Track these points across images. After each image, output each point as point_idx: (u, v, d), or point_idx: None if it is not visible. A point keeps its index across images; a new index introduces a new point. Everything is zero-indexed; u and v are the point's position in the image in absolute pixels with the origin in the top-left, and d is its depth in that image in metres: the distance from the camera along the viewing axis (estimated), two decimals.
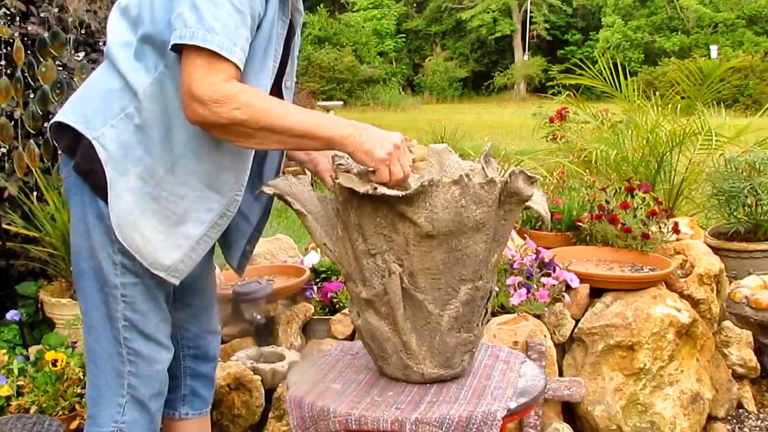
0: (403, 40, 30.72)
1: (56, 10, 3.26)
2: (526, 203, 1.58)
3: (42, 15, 3.17)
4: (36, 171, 3.05)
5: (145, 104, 1.49)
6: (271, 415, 2.46)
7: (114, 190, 1.49)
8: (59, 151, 1.65)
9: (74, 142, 1.53)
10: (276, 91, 1.61)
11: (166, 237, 1.53)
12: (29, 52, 3.10)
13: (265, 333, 2.66)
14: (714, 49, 20.25)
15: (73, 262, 1.61)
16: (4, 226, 2.96)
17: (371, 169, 1.48)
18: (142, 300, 1.57)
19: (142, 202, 1.51)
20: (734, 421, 2.95)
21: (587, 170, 4.34)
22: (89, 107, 1.52)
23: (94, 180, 1.51)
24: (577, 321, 2.75)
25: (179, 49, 1.41)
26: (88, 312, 1.59)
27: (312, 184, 1.78)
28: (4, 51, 3.04)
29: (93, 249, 1.54)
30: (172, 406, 1.83)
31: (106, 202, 1.50)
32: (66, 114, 1.55)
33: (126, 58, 1.50)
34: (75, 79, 3.25)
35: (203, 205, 1.55)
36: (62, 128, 1.55)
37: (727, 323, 3.03)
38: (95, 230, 1.53)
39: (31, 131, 3.12)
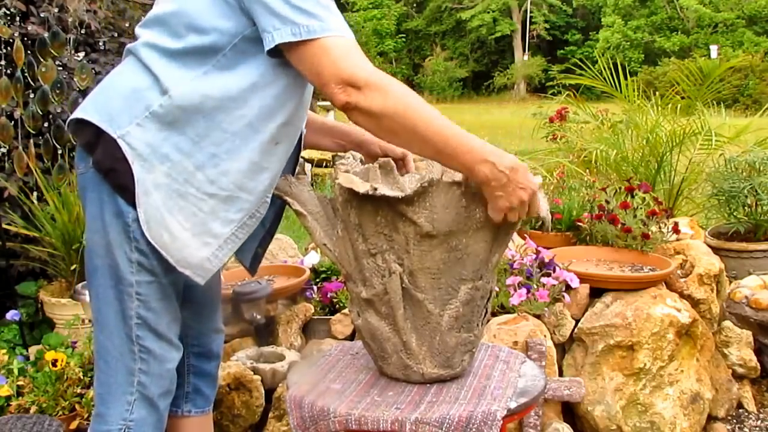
0: (403, 40, 30.73)
1: (56, 10, 3.26)
2: None
3: (42, 15, 3.18)
4: (36, 171, 3.05)
5: (177, 102, 1.47)
6: (271, 415, 2.46)
7: (142, 188, 1.48)
8: (76, 145, 1.64)
9: (95, 139, 1.52)
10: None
11: (194, 235, 1.53)
12: (29, 52, 3.11)
13: (265, 333, 2.66)
14: (714, 49, 20.24)
15: (86, 259, 1.61)
16: (4, 226, 2.96)
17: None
18: (156, 299, 1.57)
19: (169, 199, 1.50)
20: (734, 421, 2.95)
21: (587, 170, 4.34)
22: (113, 105, 1.51)
23: (115, 178, 1.50)
24: (577, 321, 2.75)
25: (279, 49, 1.41)
26: (101, 309, 1.59)
27: (312, 184, 1.78)
28: (4, 51, 3.04)
29: (109, 246, 1.53)
30: (176, 403, 1.83)
31: (126, 200, 1.49)
32: (87, 110, 1.54)
33: (159, 58, 1.49)
34: (75, 79, 3.25)
35: (233, 205, 1.55)
36: (82, 124, 1.54)
37: (727, 323, 3.03)
38: (112, 228, 1.52)
39: (31, 131, 3.12)
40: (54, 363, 2.29)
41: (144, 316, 1.56)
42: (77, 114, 1.55)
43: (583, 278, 2.79)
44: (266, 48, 1.42)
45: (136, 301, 1.55)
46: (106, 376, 1.60)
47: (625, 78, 4.78)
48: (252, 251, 1.77)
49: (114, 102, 1.52)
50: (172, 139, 1.49)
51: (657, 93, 5.03)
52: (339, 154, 1.76)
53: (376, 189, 1.44)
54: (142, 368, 1.58)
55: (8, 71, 3.06)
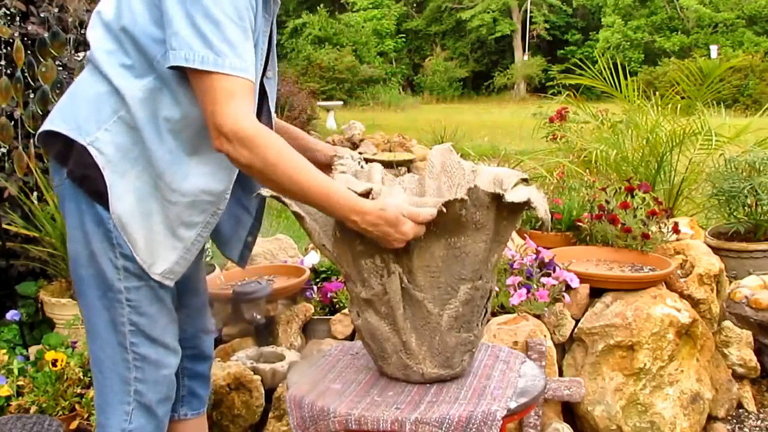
0: (403, 40, 30.71)
1: (56, 10, 3.26)
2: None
3: (42, 15, 3.18)
4: (36, 171, 3.05)
5: (134, 109, 1.48)
6: (271, 415, 2.46)
7: (115, 194, 1.48)
8: (50, 159, 1.63)
9: (66, 149, 1.51)
10: (258, 83, 1.61)
11: (164, 238, 1.53)
12: (29, 52, 3.11)
13: (265, 333, 2.66)
14: (714, 49, 20.26)
15: (71, 271, 1.59)
16: (4, 226, 2.96)
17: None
18: (148, 302, 1.56)
19: (143, 202, 1.51)
20: (734, 421, 2.95)
21: (587, 170, 4.33)
22: (80, 113, 1.51)
23: (90, 185, 1.49)
24: (577, 321, 2.75)
25: (182, 68, 1.40)
26: (91, 320, 1.58)
27: None
28: (4, 51, 3.04)
29: (93, 255, 1.52)
30: (172, 408, 1.82)
31: (104, 207, 1.49)
32: (55, 122, 1.53)
33: (111, 64, 1.49)
34: (75, 79, 3.25)
35: (196, 208, 1.56)
36: (52, 136, 1.53)
37: (727, 323, 3.03)
38: (94, 236, 1.51)
39: (31, 131, 3.12)
40: (54, 363, 2.29)
41: (136, 322, 1.55)
42: (46, 126, 1.54)
43: (583, 278, 2.79)
44: (165, 65, 1.42)
45: (126, 308, 1.54)
46: (102, 386, 1.60)
47: (625, 78, 4.78)
48: (242, 241, 1.77)
49: (80, 110, 1.51)
50: (140, 144, 1.49)
51: (657, 93, 5.03)
52: (337, 153, 1.76)
53: (371, 189, 1.44)
54: (138, 376, 1.57)
55: (8, 71, 3.05)
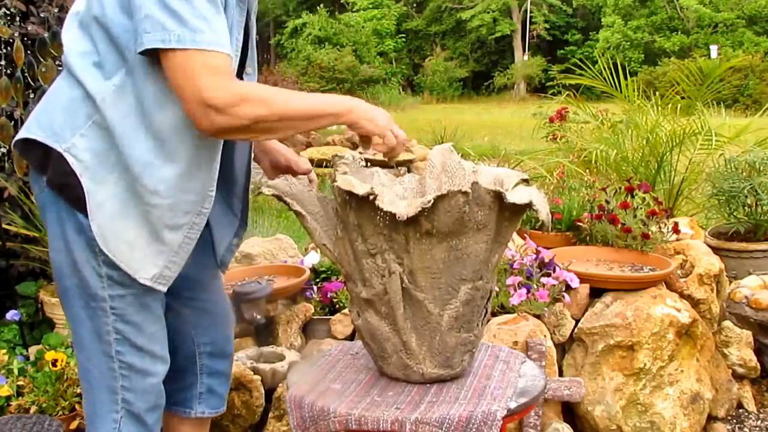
0: (403, 40, 30.72)
1: (56, 10, 3.26)
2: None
3: (42, 15, 3.18)
4: None
5: (106, 111, 1.44)
6: (271, 415, 2.46)
7: (94, 201, 1.45)
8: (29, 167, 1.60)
9: (44, 157, 1.48)
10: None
11: (149, 243, 1.50)
12: (29, 52, 3.11)
13: (265, 333, 2.66)
14: (714, 49, 20.26)
15: (55, 280, 1.57)
16: (4, 226, 2.96)
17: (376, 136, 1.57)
18: (134, 311, 1.53)
19: (124, 208, 1.47)
20: (734, 421, 2.95)
21: (587, 170, 4.33)
22: (55, 119, 1.48)
23: (70, 193, 1.46)
24: (577, 321, 2.75)
25: (153, 52, 1.37)
26: (77, 330, 1.56)
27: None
28: (4, 51, 3.04)
29: (75, 264, 1.50)
30: (188, 405, 1.81)
31: (85, 215, 1.46)
32: (31, 129, 1.50)
33: (84, 66, 1.46)
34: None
35: (178, 209, 1.52)
36: (28, 144, 1.50)
37: (727, 323, 3.03)
38: (76, 245, 1.49)
39: None
40: (54, 363, 2.29)
41: (122, 330, 1.53)
42: (22, 134, 1.51)
43: (583, 278, 2.79)
44: (137, 51, 1.38)
45: (111, 317, 1.52)
46: (90, 396, 1.58)
47: (625, 78, 4.78)
48: (226, 244, 1.75)
49: (55, 116, 1.48)
50: (115, 149, 1.45)
51: (657, 93, 5.03)
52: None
53: (375, 194, 1.44)
54: (125, 385, 1.55)
55: (8, 71, 3.05)
